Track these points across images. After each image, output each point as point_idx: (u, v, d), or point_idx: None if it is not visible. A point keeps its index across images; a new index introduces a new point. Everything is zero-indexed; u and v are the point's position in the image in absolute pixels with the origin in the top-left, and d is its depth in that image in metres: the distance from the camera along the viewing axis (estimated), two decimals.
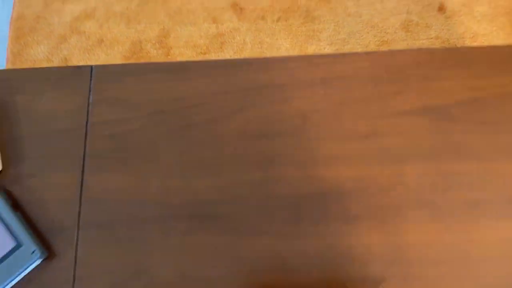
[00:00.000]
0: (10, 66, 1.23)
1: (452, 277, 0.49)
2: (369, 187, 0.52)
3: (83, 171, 0.55)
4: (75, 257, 0.52)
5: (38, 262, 0.51)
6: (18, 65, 1.21)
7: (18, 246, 0.51)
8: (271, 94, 0.57)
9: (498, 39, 1.18)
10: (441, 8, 1.17)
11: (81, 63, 1.23)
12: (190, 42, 1.21)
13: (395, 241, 0.50)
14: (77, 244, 0.53)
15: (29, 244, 0.51)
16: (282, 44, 1.20)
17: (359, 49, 1.19)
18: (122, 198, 0.54)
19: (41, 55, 1.23)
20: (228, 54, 1.19)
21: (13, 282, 0.51)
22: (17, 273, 0.50)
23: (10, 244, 0.51)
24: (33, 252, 0.51)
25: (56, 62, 1.22)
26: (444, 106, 0.55)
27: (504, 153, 0.52)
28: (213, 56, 1.19)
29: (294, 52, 1.19)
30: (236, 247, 0.51)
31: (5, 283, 0.50)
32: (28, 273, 0.51)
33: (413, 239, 0.50)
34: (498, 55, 0.56)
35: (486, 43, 1.17)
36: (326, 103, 0.56)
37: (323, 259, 0.50)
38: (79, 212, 0.54)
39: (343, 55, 0.58)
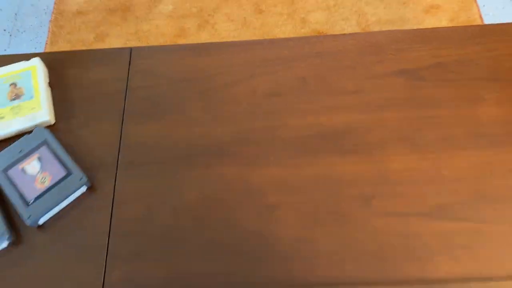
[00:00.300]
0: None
1: (428, 194, 0.59)
2: (357, 129, 0.64)
3: (122, 123, 0.67)
4: (114, 187, 0.62)
5: (84, 189, 0.62)
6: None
7: (68, 174, 0.61)
8: (277, 65, 0.70)
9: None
10: None
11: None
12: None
13: (380, 168, 0.61)
14: (116, 177, 0.63)
15: (77, 173, 0.61)
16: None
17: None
18: (154, 143, 0.65)
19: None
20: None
21: (63, 205, 0.61)
22: (67, 196, 0.60)
23: (62, 173, 0.61)
24: (80, 179, 0.61)
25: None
26: (415, 69, 0.68)
27: (463, 101, 0.65)
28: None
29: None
30: (248, 176, 0.61)
31: (57, 205, 0.60)
32: (74, 199, 0.61)
33: (395, 166, 0.61)
34: (454, 33, 0.71)
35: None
36: (321, 69, 0.69)
37: (321, 183, 0.60)
38: (118, 153, 0.65)
39: (334, 36, 0.72)
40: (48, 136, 0.64)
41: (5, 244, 0.58)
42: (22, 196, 0.60)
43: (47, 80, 0.70)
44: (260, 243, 0.57)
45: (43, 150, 0.63)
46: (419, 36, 0.71)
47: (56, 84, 0.71)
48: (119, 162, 0.64)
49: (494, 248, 0.55)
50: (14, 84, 0.69)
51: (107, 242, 0.58)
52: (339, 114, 0.65)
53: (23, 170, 0.62)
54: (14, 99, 0.67)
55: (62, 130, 0.67)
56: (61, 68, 0.72)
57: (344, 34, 0.72)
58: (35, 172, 0.62)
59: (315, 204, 0.59)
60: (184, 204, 0.60)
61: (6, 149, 0.64)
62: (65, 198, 0.60)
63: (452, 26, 0.71)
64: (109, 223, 0.60)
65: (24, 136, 0.64)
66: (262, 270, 0.56)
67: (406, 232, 0.57)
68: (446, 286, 0.53)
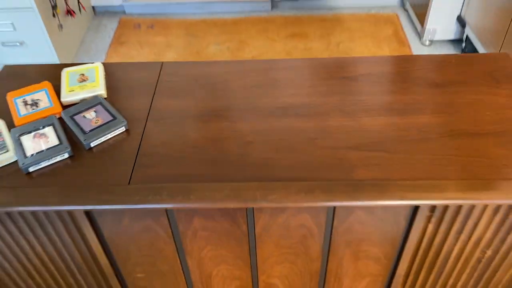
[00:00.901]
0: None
1: (353, 138, 0.88)
2: (310, 104, 0.95)
3: (152, 99, 0.99)
4: (143, 130, 0.92)
5: (123, 129, 0.91)
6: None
7: (113, 119, 0.91)
8: (257, 72, 1.05)
9: None
10: None
11: None
12: None
13: (322, 125, 0.91)
14: (145, 126, 0.93)
15: (120, 118, 0.91)
16: None
17: None
18: (172, 109, 0.96)
19: None
20: None
21: (109, 136, 0.90)
22: (111, 131, 0.90)
23: (109, 118, 0.92)
24: (122, 122, 0.91)
25: None
26: (354, 76, 1.02)
27: (379, 94, 0.97)
28: None
29: None
30: (234, 126, 0.91)
31: (104, 136, 0.89)
32: (116, 135, 0.90)
33: (332, 123, 0.91)
34: (382, 59, 1.06)
35: None
36: (293, 73, 1.03)
37: (282, 131, 0.90)
38: (148, 113, 0.96)
39: (302, 59, 1.08)
40: (102, 100, 0.96)
41: (67, 155, 0.86)
42: (82, 129, 0.89)
43: (104, 74, 1.04)
44: (241, 159, 0.85)
45: (98, 107, 0.94)
46: (360, 60, 1.07)
47: (110, 79, 1.05)
48: (148, 119, 0.94)
49: (395, 165, 0.82)
50: (82, 74, 1.03)
51: (135, 157, 0.86)
52: (299, 97, 0.97)
53: (84, 116, 0.92)
54: (82, 82, 1.01)
55: (111, 100, 0.99)
56: (114, 71, 1.07)
57: (311, 59, 1.08)
58: (92, 117, 0.92)
59: (277, 142, 0.88)
60: (190, 140, 0.89)
61: (74, 105, 0.95)
62: (110, 132, 0.90)
63: (384, 56, 1.07)
64: (137, 148, 0.88)
65: (87, 100, 0.96)
66: (241, 173, 0.82)
67: (337, 157, 0.84)
68: (360, 183, 0.79)
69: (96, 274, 0.99)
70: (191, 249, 0.93)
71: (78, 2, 2.31)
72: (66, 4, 2.19)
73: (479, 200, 0.77)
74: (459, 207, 0.81)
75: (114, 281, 1.00)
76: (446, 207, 0.82)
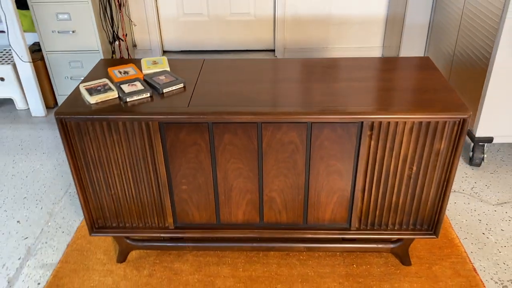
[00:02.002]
0: None
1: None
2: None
3: (199, 73, 1.56)
4: (193, 88, 1.48)
5: (182, 85, 1.47)
6: None
7: (176, 79, 1.48)
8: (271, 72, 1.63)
9: None
10: None
11: None
12: None
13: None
14: (195, 86, 1.49)
15: (180, 80, 1.48)
16: None
17: None
18: (213, 79, 1.53)
19: None
20: None
21: (173, 88, 1.45)
22: (176, 85, 1.46)
23: (173, 78, 1.48)
24: (181, 81, 1.47)
25: None
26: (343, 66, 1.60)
27: (347, 80, 1.54)
28: None
29: None
30: (253, 87, 1.47)
31: (170, 87, 1.45)
32: (176, 88, 1.46)
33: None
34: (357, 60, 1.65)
35: None
36: (295, 73, 1.61)
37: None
38: (197, 80, 1.52)
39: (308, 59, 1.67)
40: (169, 71, 1.54)
41: (148, 94, 1.41)
42: (157, 83, 1.46)
43: (167, 61, 1.63)
44: (256, 98, 1.39)
45: (166, 74, 1.51)
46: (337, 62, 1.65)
47: (171, 64, 1.64)
48: (197, 81, 1.51)
49: (361, 95, 1.36)
50: (154, 61, 1.61)
51: (190, 98, 1.41)
52: (293, 74, 1.54)
53: (158, 77, 1.49)
54: (154, 64, 1.59)
55: (177, 74, 1.56)
56: (173, 62, 1.66)
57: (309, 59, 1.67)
58: (163, 78, 1.49)
59: (277, 92, 1.43)
60: (224, 91, 1.45)
61: (152, 74, 1.52)
62: (174, 85, 1.45)
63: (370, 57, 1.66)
64: (191, 94, 1.43)
65: (158, 72, 1.54)
66: (257, 103, 1.36)
67: (315, 98, 1.39)
68: (326, 108, 1.33)
69: (153, 185, 1.48)
70: (220, 161, 1.43)
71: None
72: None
73: (396, 115, 1.30)
74: (387, 125, 1.34)
75: (165, 190, 1.49)
76: (379, 125, 1.34)
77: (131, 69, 1.56)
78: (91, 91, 1.40)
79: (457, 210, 1.93)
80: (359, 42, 3.13)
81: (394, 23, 2.94)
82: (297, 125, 1.36)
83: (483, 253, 1.71)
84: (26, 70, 2.57)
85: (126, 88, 1.43)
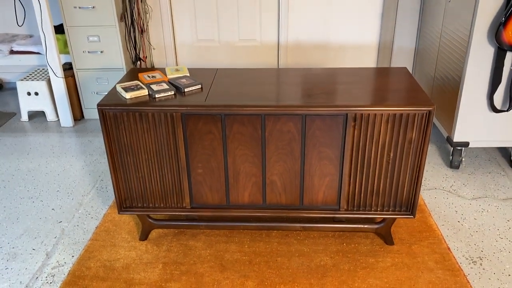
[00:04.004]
0: None
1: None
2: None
3: (214, 77, 1.89)
4: (209, 90, 1.80)
5: (199, 86, 1.79)
6: None
7: (195, 81, 1.80)
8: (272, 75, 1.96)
9: None
10: None
11: None
12: None
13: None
14: (210, 87, 1.81)
15: (198, 81, 1.80)
16: None
17: None
18: (227, 82, 1.85)
19: None
20: None
21: (192, 88, 1.77)
22: (194, 86, 1.78)
23: (192, 81, 1.81)
24: (199, 83, 1.80)
25: None
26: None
27: (347, 75, 1.86)
28: None
29: None
30: (260, 88, 1.79)
31: (190, 88, 1.77)
32: (194, 89, 1.78)
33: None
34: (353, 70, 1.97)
35: None
36: (294, 77, 1.94)
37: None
38: (212, 82, 1.84)
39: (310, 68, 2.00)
40: (188, 75, 1.86)
41: (172, 92, 1.73)
42: (180, 84, 1.78)
43: (187, 69, 1.96)
44: (262, 95, 1.71)
45: (187, 77, 1.84)
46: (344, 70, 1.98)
47: (190, 71, 1.96)
48: (212, 84, 1.83)
49: (348, 93, 1.67)
50: (176, 68, 1.94)
51: (206, 95, 1.72)
52: (290, 79, 1.86)
53: (180, 80, 1.81)
54: (176, 71, 1.92)
55: (195, 78, 1.89)
56: (191, 70, 1.99)
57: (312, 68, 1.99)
58: (184, 80, 1.81)
59: (276, 93, 1.74)
60: (237, 91, 1.76)
61: (175, 77, 1.85)
62: (193, 86, 1.77)
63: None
64: (207, 93, 1.75)
65: (179, 76, 1.86)
66: (261, 100, 1.68)
67: (307, 92, 1.70)
68: (319, 104, 1.64)
69: (174, 168, 1.77)
70: (230, 148, 1.73)
71: None
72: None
73: (374, 107, 1.60)
74: (368, 117, 1.64)
75: (184, 174, 1.78)
76: (361, 117, 1.64)
77: (157, 74, 1.89)
78: (126, 89, 1.73)
79: (437, 203, 2.19)
80: (355, 64, 3.48)
81: (385, 48, 3.29)
82: (293, 117, 1.66)
83: (457, 236, 1.97)
84: (59, 85, 2.92)
85: (154, 87, 1.75)
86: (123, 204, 1.86)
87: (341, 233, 1.98)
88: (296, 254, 1.87)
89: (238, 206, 1.85)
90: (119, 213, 1.86)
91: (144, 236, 1.97)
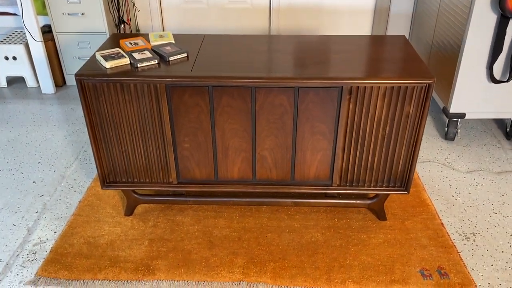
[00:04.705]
0: None
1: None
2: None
3: (201, 43, 1.77)
4: (196, 58, 1.68)
5: (185, 55, 1.68)
6: None
7: (180, 49, 1.68)
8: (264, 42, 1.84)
9: None
10: None
11: None
12: None
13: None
14: (197, 56, 1.69)
15: (184, 49, 1.68)
16: None
17: None
18: (215, 48, 1.73)
19: None
20: None
21: (177, 57, 1.66)
22: (180, 55, 1.66)
23: (178, 49, 1.69)
24: (184, 51, 1.68)
25: None
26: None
27: (342, 43, 1.75)
28: None
29: None
30: (249, 56, 1.68)
31: (175, 56, 1.65)
32: (181, 57, 1.67)
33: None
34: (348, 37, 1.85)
35: None
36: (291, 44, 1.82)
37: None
38: (199, 50, 1.72)
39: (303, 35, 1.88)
40: (173, 43, 1.74)
41: (156, 61, 1.61)
42: (164, 52, 1.66)
43: (172, 35, 1.83)
44: (251, 64, 1.60)
45: (171, 45, 1.71)
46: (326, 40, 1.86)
47: (175, 37, 1.84)
48: (199, 52, 1.71)
49: (343, 64, 1.57)
50: (160, 35, 1.82)
51: (192, 65, 1.61)
52: (284, 47, 1.75)
53: (164, 48, 1.69)
54: (160, 37, 1.79)
55: (181, 46, 1.76)
56: (177, 37, 1.86)
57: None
58: (168, 48, 1.69)
59: (270, 59, 1.63)
60: (224, 59, 1.65)
61: (159, 45, 1.72)
62: (178, 54, 1.66)
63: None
64: (193, 62, 1.63)
65: (164, 43, 1.74)
66: (251, 71, 1.57)
67: (300, 62, 1.59)
68: (312, 75, 1.54)
69: (159, 142, 1.68)
70: (219, 121, 1.64)
71: None
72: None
73: (371, 80, 1.51)
74: (364, 90, 1.54)
75: (170, 148, 1.69)
76: (357, 90, 1.54)
77: (140, 41, 1.76)
78: (106, 58, 1.60)
79: (431, 177, 2.14)
80: (349, 30, 3.34)
81: (381, 13, 3.15)
82: (286, 89, 1.56)
83: (451, 211, 1.93)
84: (38, 49, 2.76)
85: (136, 55, 1.63)
86: (106, 178, 1.78)
87: (332, 208, 1.93)
88: (286, 230, 1.82)
89: (227, 182, 1.78)
90: (102, 188, 1.78)
91: (129, 212, 1.90)
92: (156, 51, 1.68)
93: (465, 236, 1.80)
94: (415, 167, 1.69)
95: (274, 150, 1.70)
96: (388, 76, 1.53)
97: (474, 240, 1.78)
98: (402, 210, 1.92)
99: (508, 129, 2.42)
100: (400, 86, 1.53)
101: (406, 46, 1.78)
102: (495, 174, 2.15)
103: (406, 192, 1.75)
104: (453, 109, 2.29)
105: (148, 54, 1.64)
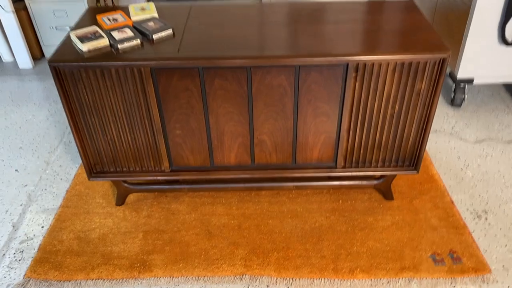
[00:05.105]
0: None
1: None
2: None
3: (187, 19, 1.58)
4: (182, 33, 1.50)
5: (170, 31, 1.50)
6: None
7: (165, 25, 1.50)
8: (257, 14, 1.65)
9: None
10: None
11: None
12: None
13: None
14: (183, 31, 1.51)
15: (169, 26, 1.50)
16: None
17: None
18: (201, 23, 1.55)
19: None
20: None
21: (162, 34, 1.48)
22: (164, 32, 1.48)
23: (162, 25, 1.50)
24: (169, 27, 1.49)
25: None
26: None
27: (335, 23, 1.57)
28: None
29: None
30: (238, 32, 1.50)
31: (160, 34, 1.47)
32: (167, 35, 1.49)
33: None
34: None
35: None
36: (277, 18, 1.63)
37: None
38: (185, 25, 1.54)
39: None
40: (157, 18, 1.55)
41: (139, 40, 1.44)
42: (147, 29, 1.47)
43: (155, 7, 1.64)
44: (244, 42, 1.43)
45: (155, 20, 1.53)
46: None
47: (159, 11, 1.64)
48: (185, 27, 1.53)
49: (347, 37, 1.41)
50: (142, 7, 1.62)
51: (179, 43, 1.44)
52: (274, 18, 1.57)
53: (147, 24, 1.51)
54: (142, 10, 1.60)
55: (165, 20, 1.58)
56: (161, 8, 1.67)
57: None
58: (152, 25, 1.50)
59: (263, 36, 1.46)
60: (211, 35, 1.47)
61: (141, 21, 1.53)
62: (163, 31, 1.48)
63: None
64: (180, 38, 1.46)
65: (148, 18, 1.55)
66: (244, 49, 1.40)
67: (299, 39, 1.43)
68: (313, 51, 1.37)
69: (148, 130, 1.53)
70: (212, 106, 1.49)
71: None
72: None
73: (379, 56, 1.35)
74: (371, 67, 1.39)
75: (160, 137, 1.55)
76: (364, 66, 1.39)
77: (119, 16, 1.57)
78: (82, 39, 1.42)
79: (438, 148, 2.03)
80: None
81: None
82: (285, 69, 1.40)
83: (461, 187, 1.83)
84: (10, 20, 2.53)
85: (116, 35, 1.45)
86: (92, 169, 1.65)
87: (336, 189, 1.82)
88: (288, 215, 1.72)
89: (224, 168, 1.65)
90: (89, 180, 1.65)
91: (120, 201, 1.78)
92: (138, 28, 1.50)
93: (476, 214, 1.71)
94: (425, 146, 1.57)
95: (274, 134, 1.56)
96: (398, 50, 1.37)
97: (486, 219, 1.69)
98: (410, 188, 1.81)
99: None
100: (411, 61, 1.38)
101: (415, 12, 1.61)
102: (505, 143, 2.04)
103: (416, 172, 1.64)
104: (461, 74, 2.14)
105: (129, 33, 1.46)
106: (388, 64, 1.39)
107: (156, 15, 1.59)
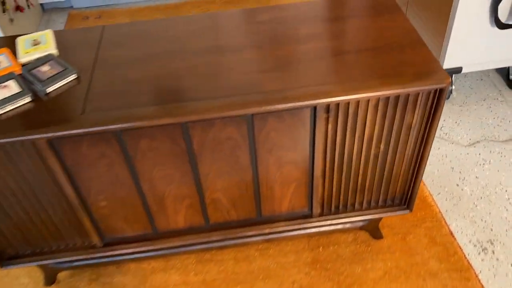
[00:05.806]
0: None
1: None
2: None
3: (97, 52, 1.18)
4: (91, 78, 1.10)
5: (74, 76, 1.09)
6: None
7: (65, 69, 1.10)
8: (192, 24, 1.25)
9: None
10: None
11: None
12: None
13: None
14: (92, 73, 1.11)
15: (71, 69, 1.10)
16: None
17: None
18: (116, 59, 1.15)
19: None
20: None
21: (62, 83, 1.08)
22: (65, 79, 1.08)
23: (62, 69, 1.10)
24: (72, 71, 1.09)
25: None
26: (275, 18, 1.23)
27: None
28: None
29: None
30: (169, 65, 1.11)
31: (58, 83, 1.07)
32: (65, 84, 1.09)
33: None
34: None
35: None
36: (217, 23, 1.24)
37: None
38: (94, 63, 1.14)
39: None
40: (54, 57, 1.14)
41: (29, 99, 1.04)
42: (39, 79, 1.07)
43: (54, 38, 1.22)
44: (174, 86, 1.05)
45: (51, 62, 1.12)
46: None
47: (59, 42, 1.23)
48: (94, 67, 1.13)
49: (295, 78, 1.04)
50: (35, 39, 1.20)
51: (85, 95, 1.05)
52: (222, 41, 1.18)
53: (39, 70, 1.10)
54: (35, 45, 1.18)
55: (63, 57, 1.17)
56: (62, 36, 1.25)
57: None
58: (46, 70, 1.10)
59: (202, 71, 1.08)
60: (131, 79, 1.08)
61: (31, 63, 1.12)
62: (63, 79, 1.08)
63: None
64: (87, 89, 1.06)
65: (42, 58, 1.14)
66: (174, 96, 1.02)
67: (250, 79, 1.06)
68: (269, 93, 1.01)
69: (64, 207, 1.16)
70: (142, 171, 1.12)
71: None
72: (15, 0, 2.32)
73: (357, 95, 1.00)
74: (347, 105, 1.04)
75: (80, 213, 1.18)
76: (337, 106, 1.04)
77: (3, 58, 1.15)
78: None
79: (428, 159, 1.72)
80: None
81: None
82: (233, 119, 1.04)
83: (459, 210, 1.55)
84: None
85: None
86: (3, 255, 1.28)
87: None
88: (259, 276, 1.40)
89: (171, 233, 1.31)
90: (1, 268, 1.28)
91: (49, 281, 1.43)
92: (27, 78, 1.09)
93: (481, 247, 1.44)
94: (419, 185, 1.26)
95: (229, 190, 1.22)
96: (380, 83, 1.02)
97: (493, 252, 1.42)
98: (401, 219, 1.52)
99: (511, 76, 1.98)
100: (398, 95, 1.04)
101: (395, 14, 1.24)
102: (503, 144, 1.75)
103: (409, 211, 1.33)
104: (447, 64, 1.81)
105: (13, 88, 1.05)
106: (368, 101, 1.04)
107: (54, 50, 1.17)
